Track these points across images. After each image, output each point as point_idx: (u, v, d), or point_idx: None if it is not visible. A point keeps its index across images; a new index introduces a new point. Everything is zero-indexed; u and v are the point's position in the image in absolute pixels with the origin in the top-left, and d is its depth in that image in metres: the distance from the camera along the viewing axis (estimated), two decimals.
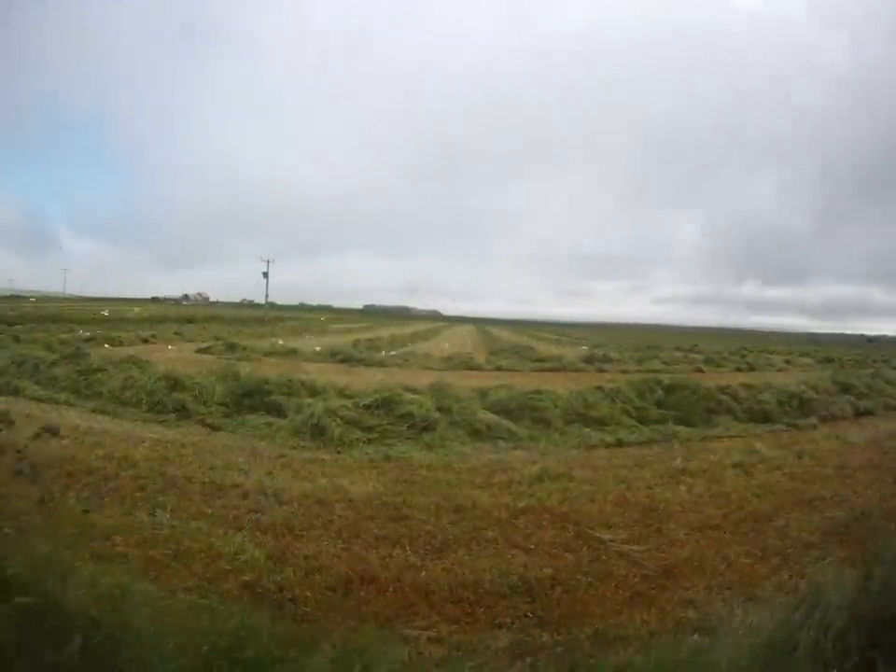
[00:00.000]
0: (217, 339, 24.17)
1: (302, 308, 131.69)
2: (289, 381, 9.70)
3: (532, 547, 4.31)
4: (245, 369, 11.02)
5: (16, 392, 9.51)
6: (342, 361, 18.12)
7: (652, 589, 3.73)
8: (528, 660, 2.77)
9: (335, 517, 4.74)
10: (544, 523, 4.82)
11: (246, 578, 3.53)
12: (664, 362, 23.53)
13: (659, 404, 10.17)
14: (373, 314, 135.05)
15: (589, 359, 22.55)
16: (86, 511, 4.43)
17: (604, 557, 4.20)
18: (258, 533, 4.30)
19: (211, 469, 5.88)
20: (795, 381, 13.19)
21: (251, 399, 9.04)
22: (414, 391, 9.13)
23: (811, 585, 2.39)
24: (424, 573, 3.80)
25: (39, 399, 9.21)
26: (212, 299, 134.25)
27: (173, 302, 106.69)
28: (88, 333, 23.00)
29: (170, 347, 17.30)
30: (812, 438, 9.21)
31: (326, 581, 3.60)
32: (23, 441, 6.21)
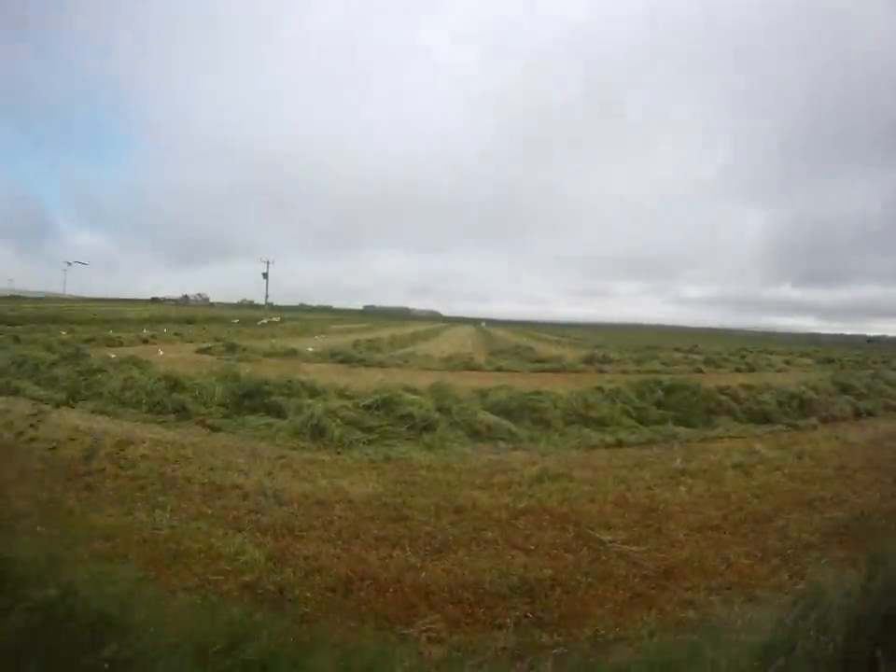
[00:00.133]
0: (217, 339, 24.18)
1: (302, 309, 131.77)
2: (289, 381, 9.69)
3: (532, 548, 4.31)
4: (245, 369, 11.02)
5: (16, 392, 9.52)
6: (341, 362, 18.12)
7: (652, 589, 3.73)
8: (528, 660, 2.77)
9: (335, 518, 4.74)
10: (544, 523, 4.82)
11: (246, 578, 3.53)
12: (663, 363, 23.52)
13: (659, 405, 10.17)
14: (373, 314, 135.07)
15: (589, 360, 22.53)
16: (86, 512, 4.43)
17: (604, 558, 4.20)
18: (257, 534, 4.30)
19: (211, 469, 5.88)
20: (795, 381, 13.19)
21: (251, 400, 9.04)
22: (414, 392, 9.13)
23: (811, 586, 2.40)
24: (424, 574, 3.80)
25: (39, 400, 9.20)
26: (212, 300, 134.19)
27: (172, 303, 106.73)
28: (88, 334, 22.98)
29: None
30: (812, 438, 9.20)
31: (326, 581, 3.60)
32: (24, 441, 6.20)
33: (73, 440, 5.45)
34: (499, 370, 18.27)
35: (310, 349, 21.36)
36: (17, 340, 18.52)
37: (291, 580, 3.58)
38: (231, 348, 20.05)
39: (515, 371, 17.95)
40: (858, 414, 11.77)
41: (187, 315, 49.35)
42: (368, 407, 8.26)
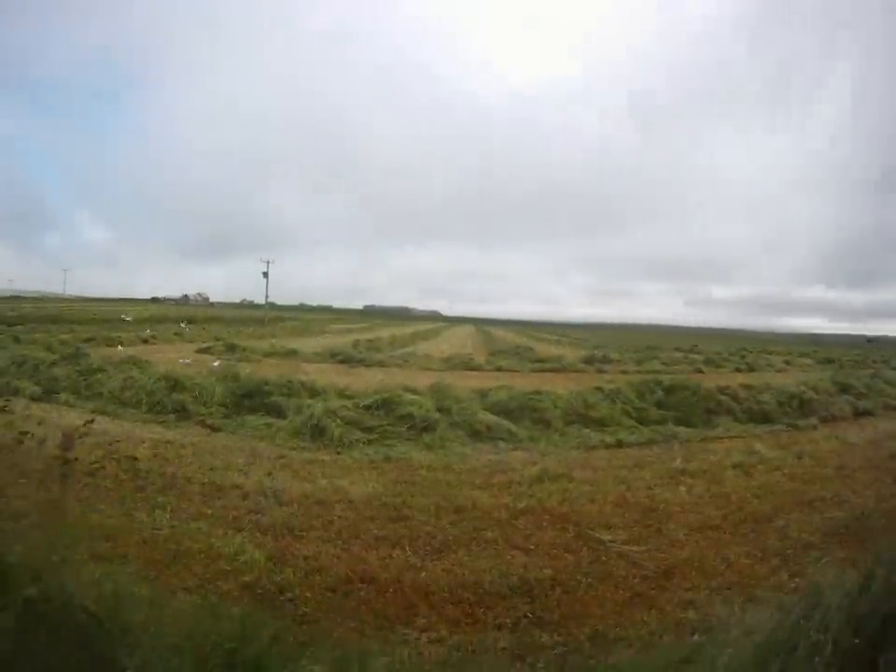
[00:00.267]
0: (217, 339, 24.19)
1: (302, 308, 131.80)
2: (289, 382, 9.70)
3: (532, 548, 4.31)
4: (245, 370, 11.02)
5: (16, 392, 9.51)
6: (341, 362, 18.13)
7: (652, 590, 3.73)
8: (528, 660, 2.77)
9: (335, 518, 4.74)
10: (544, 523, 4.82)
11: (246, 578, 3.53)
12: (663, 363, 23.53)
13: (659, 405, 10.17)
14: (373, 314, 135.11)
15: (589, 360, 22.54)
16: (85, 512, 4.43)
17: (604, 558, 4.20)
18: (257, 534, 4.30)
19: (211, 469, 5.89)
20: (795, 381, 13.19)
21: (251, 400, 9.04)
22: (414, 392, 9.13)
23: (811, 586, 2.39)
24: (424, 574, 3.80)
25: (39, 400, 9.20)
26: (212, 299, 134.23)
27: (172, 303, 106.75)
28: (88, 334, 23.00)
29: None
30: (812, 438, 9.21)
31: (326, 581, 3.60)
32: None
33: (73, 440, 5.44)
34: (499, 369, 18.28)
35: (310, 349, 21.39)
36: (17, 340, 18.53)
37: (291, 580, 3.58)
38: (231, 348, 20.07)
39: (515, 371, 17.97)
40: (857, 414, 11.77)
41: (187, 315, 49.36)
42: (368, 407, 8.26)
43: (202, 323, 43.11)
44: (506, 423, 8.39)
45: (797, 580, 3.72)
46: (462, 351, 24.21)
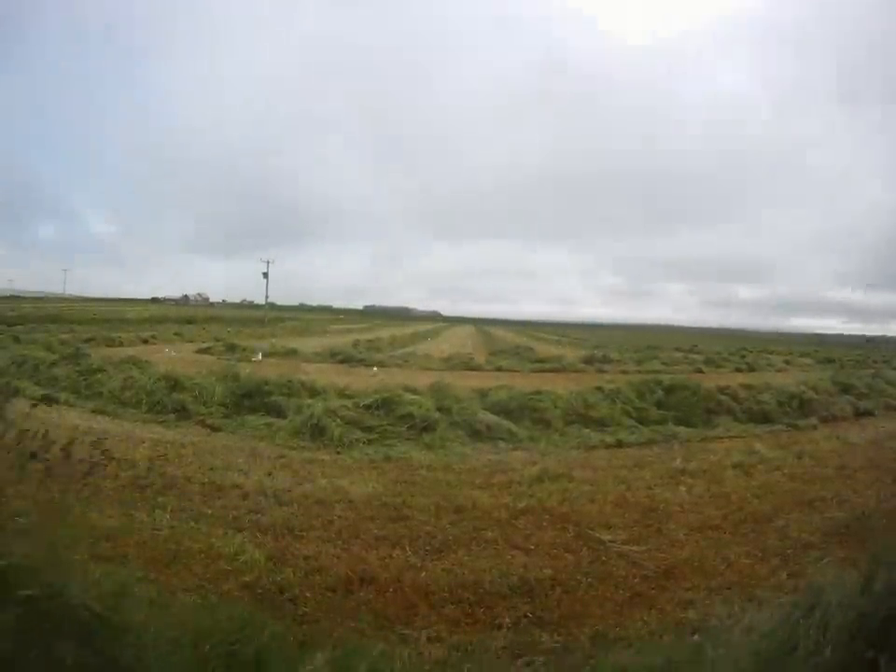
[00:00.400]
0: (217, 339, 24.21)
1: (302, 308, 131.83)
2: (289, 381, 9.71)
3: (532, 547, 4.31)
4: (245, 369, 11.03)
5: (16, 392, 9.50)
6: (342, 362, 18.14)
7: (652, 590, 3.72)
8: (528, 660, 2.77)
9: (335, 518, 4.74)
10: (544, 523, 4.82)
11: (246, 578, 3.52)
12: (663, 363, 23.53)
13: (659, 405, 10.17)
14: (373, 314, 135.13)
15: (589, 360, 22.54)
16: (85, 512, 4.42)
17: (604, 558, 4.19)
18: (257, 533, 4.30)
19: (211, 469, 5.88)
20: (795, 381, 13.18)
21: (251, 400, 9.04)
22: (414, 392, 9.13)
23: (811, 586, 2.39)
24: (424, 574, 3.80)
25: (39, 400, 9.19)
26: (212, 300, 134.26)
27: (172, 303, 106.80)
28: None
29: (167, 350, 17.20)
30: (812, 438, 9.20)
31: (326, 581, 3.60)
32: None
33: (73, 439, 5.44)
34: (499, 369, 18.29)
35: (310, 349, 21.39)
36: (17, 340, 18.54)
37: (291, 579, 3.57)
38: (231, 348, 20.08)
39: (515, 371, 17.97)
40: (858, 414, 11.76)
41: (187, 315, 49.38)
42: (368, 407, 8.26)
43: (201, 323, 43.14)
44: (506, 423, 8.39)
45: (797, 580, 3.71)
46: (462, 351, 24.22)
